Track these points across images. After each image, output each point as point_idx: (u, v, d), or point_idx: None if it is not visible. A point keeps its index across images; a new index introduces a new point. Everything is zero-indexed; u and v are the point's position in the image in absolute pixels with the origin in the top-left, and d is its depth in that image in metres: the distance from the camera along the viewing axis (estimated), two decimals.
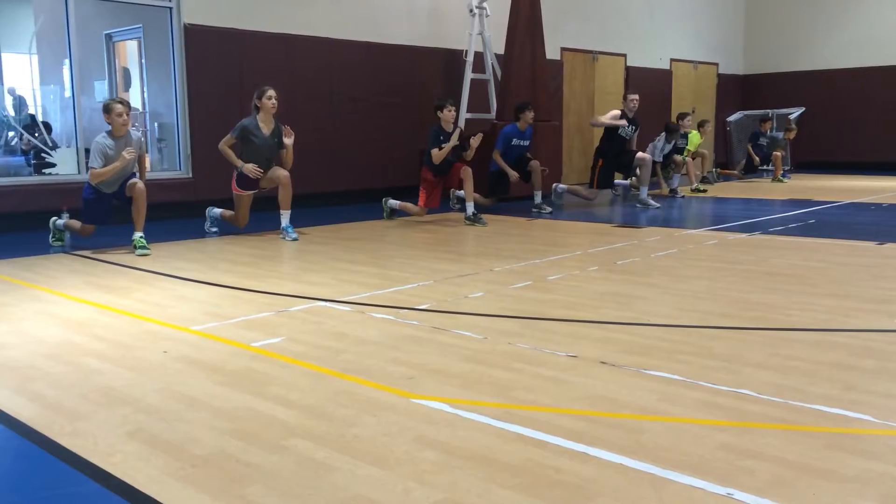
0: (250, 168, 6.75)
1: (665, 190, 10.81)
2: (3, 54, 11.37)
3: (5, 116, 10.65)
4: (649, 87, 14.34)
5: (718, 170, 13.65)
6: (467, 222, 7.76)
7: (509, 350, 3.36)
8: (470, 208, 7.85)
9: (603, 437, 2.40)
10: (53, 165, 9.11)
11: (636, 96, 9.50)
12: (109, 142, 6.04)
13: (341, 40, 9.71)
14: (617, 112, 9.39)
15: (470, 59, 10.66)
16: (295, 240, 6.69)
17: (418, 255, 6.00)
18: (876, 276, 4.96)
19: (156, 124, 9.75)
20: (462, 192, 8.08)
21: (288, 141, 6.91)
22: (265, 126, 6.83)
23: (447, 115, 7.97)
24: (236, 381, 2.97)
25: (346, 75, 9.77)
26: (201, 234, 7.18)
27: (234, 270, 5.32)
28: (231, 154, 6.83)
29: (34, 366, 3.18)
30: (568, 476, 2.14)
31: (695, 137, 12.09)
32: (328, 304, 4.26)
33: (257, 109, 6.82)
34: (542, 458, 2.26)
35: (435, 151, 7.78)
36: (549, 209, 8.87)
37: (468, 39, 10.68)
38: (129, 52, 10.78)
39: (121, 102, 6.16)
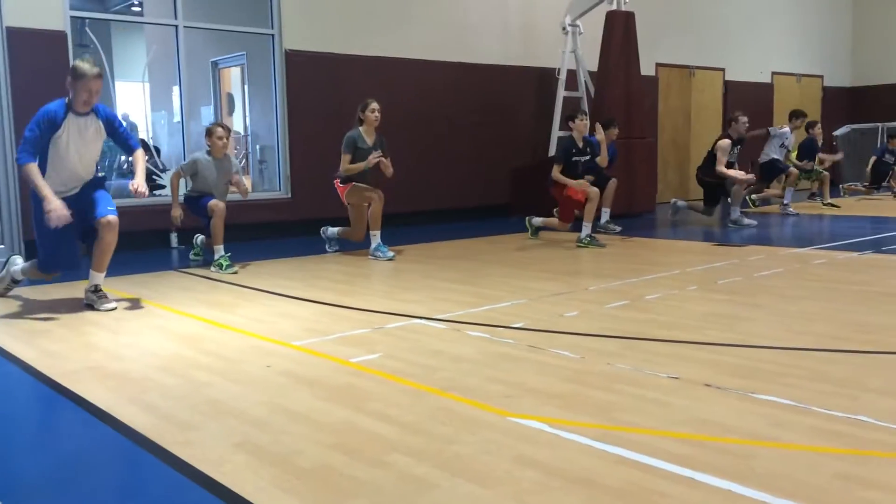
0: (370, 159, 6.73)
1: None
2: (117, 82, 12.10)
3: None
4: (749, 101, 13.88)
5: (844, 186, 13.06)
6: (579, 245, 7.40)
7: (608, 370, 3.29)
8: (586, 230, 7.47)
9: (710, 462, 2.31)
10: (163, 187, 9.58)
11: (746, 119, 9.06)
12: (207, 158, 6.49)
13: (435, 61, 9.85)
14: (726, 144, 8.92)
15: (563, 77, 10.62)
16: (391, 259, 6.75)
17: (512, 273, 5.98)
18: None
19: (257, 146, 10.14)
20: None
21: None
22: (368, 138, 6.95)
23: (580, 125, 7.64)
24: (337, 395, 3.02)
25: (440, 96, 9.90)
26: (300, 252, 7.38)
27: (332, 288, 5.44)
28: (354, 167, 6.83)
29: (148, 377, 3.34)
30: (674, 501, 2.07)
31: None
32: (423, 321, 4.30)
33: (360, 122, 6.95)
34: (645, 481, 2.19)
35: (557, 174, 7.47)
36: (617, 228, 8.60)
37: (561, 57, 10.65)
38: (234, 78, 11.28)
39: (222, 126, 6.55)
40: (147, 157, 10.18)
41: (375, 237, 6.93)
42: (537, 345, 3.73)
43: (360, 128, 6.94)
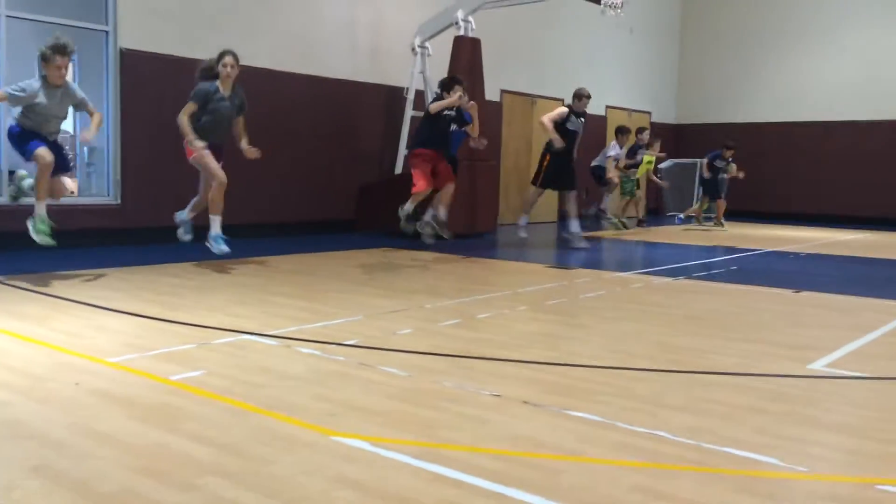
0: (199, 146, 6.50)
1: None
2: None
3: None
4: (584, 132, 14.65)
5: (683, 215, 14.05)
6: (408, 225, 7.78)
7: (434, 388, 3.36)
8: (430, 214, 7.88)
9: (521, 477, 2.41)
10: None
11: (588, 94, 9.44)
12: (39, 85, 5.80)
13: (283, 72, 9.70)
14: (564, 111, 9.37)
15: (411, 96, 10.78)
16: (227, 253, 6.54)
17: (350, 289, 5.96)
18: (791, 323, 5.16)
19: (85, 148, 9.52)
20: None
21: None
22: (224, 90, 6.73)
23: (454, 97, 7.77)
24: (151, 416, 2.88)
25: (288, 107, 9.75)
26: (127, 262, 6.99)
27: (159, 301, 5.20)
28: (187, 125, 6.55)
29: None
30: None
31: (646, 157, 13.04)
32: (254, 337, 4.20)
33: (216, 76, 6.72)
34: (458, 498, 2.25)
35: (433, 105, 7.66)
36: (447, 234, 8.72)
37: (410, 77, 10.81)
38: None
39: (61, 54, 5.72)
40: None
41: (215, 222, 6.62)
42: (367, 362, 3.75)
43: (217, 81, 6.72)
